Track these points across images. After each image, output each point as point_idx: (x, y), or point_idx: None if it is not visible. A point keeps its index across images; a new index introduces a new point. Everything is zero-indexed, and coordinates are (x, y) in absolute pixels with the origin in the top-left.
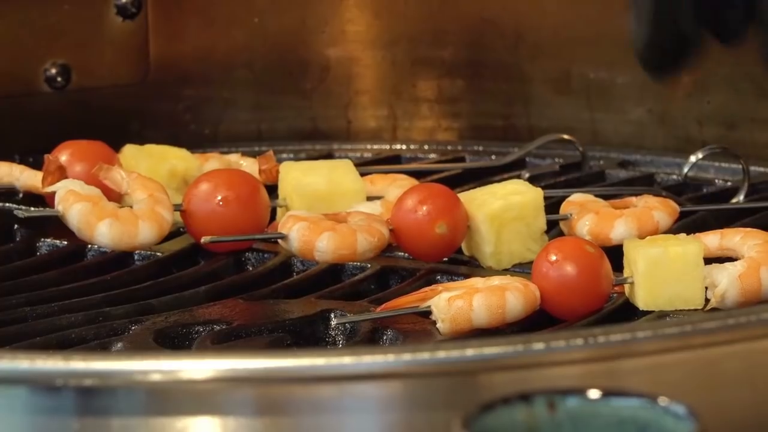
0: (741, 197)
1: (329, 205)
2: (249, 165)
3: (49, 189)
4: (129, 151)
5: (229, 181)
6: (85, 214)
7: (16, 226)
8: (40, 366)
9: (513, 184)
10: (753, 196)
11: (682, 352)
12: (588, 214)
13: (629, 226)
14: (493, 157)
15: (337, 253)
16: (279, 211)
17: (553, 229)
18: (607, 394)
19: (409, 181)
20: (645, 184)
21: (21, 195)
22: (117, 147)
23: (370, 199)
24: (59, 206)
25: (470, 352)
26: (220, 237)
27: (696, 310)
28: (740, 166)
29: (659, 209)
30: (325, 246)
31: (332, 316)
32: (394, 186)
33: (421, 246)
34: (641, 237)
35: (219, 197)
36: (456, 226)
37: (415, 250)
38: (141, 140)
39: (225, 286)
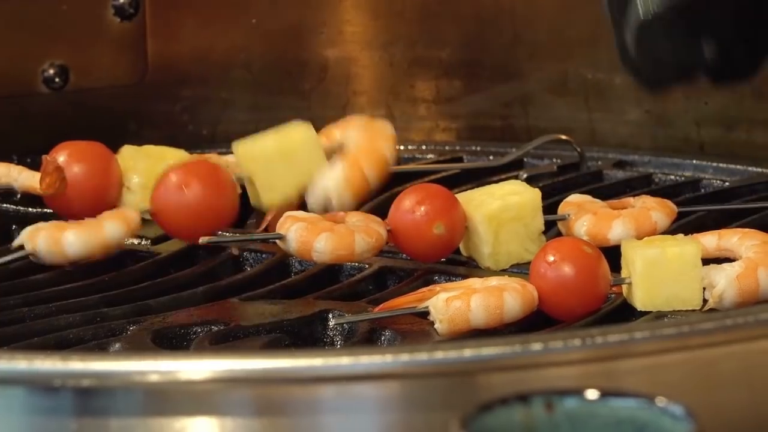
0: None
1: (287, 165)
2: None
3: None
4: (127, 151)
5: (191, 172)
6: (49, 229)
7: (14, 226)
8: (38, 366)
9: (511, 185)
10: (751, 196)
11: (679, 353)
12: (586, 215)
13: (627, 226)
14: (491, 157)
15: (335, 254)
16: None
17: (551, 229)
18: (605, 394)
19: (363, 121)
20: (643, 184)
21: (19, 196)
22: (115, 148)
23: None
24: (28, 245)
25: (468, 352)
26: (218, 238)
27: (694, 310)
28: (738, 167)
29: (657, 210)
30: (323, 246)
31: (330, 316)
32: (350, 129)
33: (419, 246)
34: (639, 237)
35: (184, 190)
36: (454, 226)
37: (413, 250)
38: (139, 141)
39: (223, 286)
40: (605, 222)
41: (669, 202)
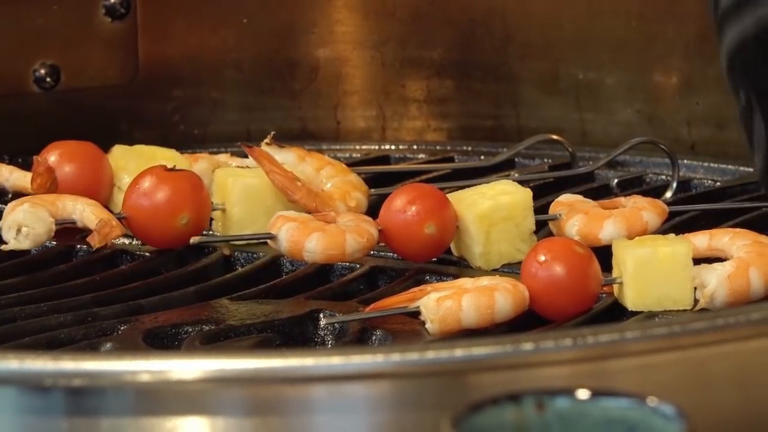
0: (669, 194)
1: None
2: (238, 164)
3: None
4: (118, 151)
5: (166, 178)
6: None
7: None
8: (30, 366)
9: (502, 185)
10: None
11: (670, 353)
12: (577, 215)
13: (618, 226)
14: (482, 157)
15: (326, 254)
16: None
17: (543, 229)
18: (596, 394)
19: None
20: (634, 184)
21: (10, 196)
22: (106, 147)
23: None
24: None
25: (459, 352)
26: (208, 238)
27: (685, 310)
28: (729, 167)
29: (648, 210)
30: (314, 246)
31: (321, 316)
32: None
33: (410, 246)
34: (630, 237)
35: (159, 195)
36: (445, 226)
37: (404, 250)
38: (130, 141)
39: (214, 286)
40: (596, 222)
41: (660, 202)
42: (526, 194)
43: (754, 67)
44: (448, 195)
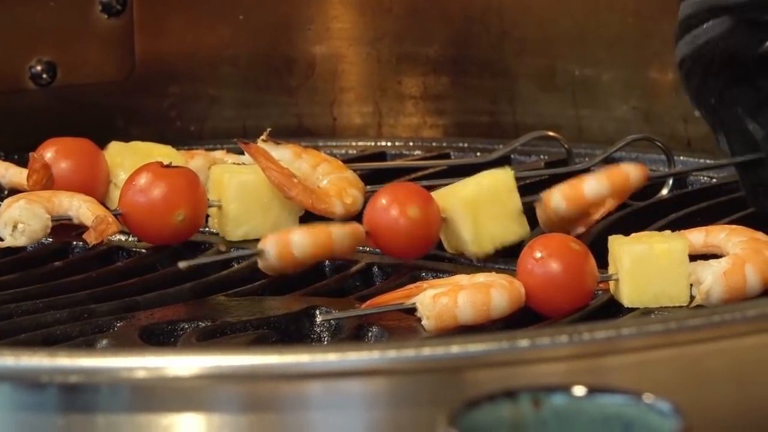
0: (665, 191)
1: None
2: (234, 161)
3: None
4: (114, 148)
5: (162, 175)
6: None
7: None
8: (25, 363)
9: (483, 173)
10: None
11: (667, 349)
12: (556, 185)
13: (600, 180)
14: (479, 154)
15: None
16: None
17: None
18: (592, 391)
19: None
20: None
21: (6, 192)
22: (102, 144)
23: None
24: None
25: (455, 349)
26: (197, 260)
27: (681, 307)
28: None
29: (630, 167)
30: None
31: (317, 312)
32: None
33: (395, 243)
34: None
35: (156, 192)
36: (428, 218)
37: (391, 248)
38: (126, 137)
39: (210, 282)
40: (577, 183)
41: (641, 164)
42: (505, 174)
43: (693, 85)
44: (432, 194)
